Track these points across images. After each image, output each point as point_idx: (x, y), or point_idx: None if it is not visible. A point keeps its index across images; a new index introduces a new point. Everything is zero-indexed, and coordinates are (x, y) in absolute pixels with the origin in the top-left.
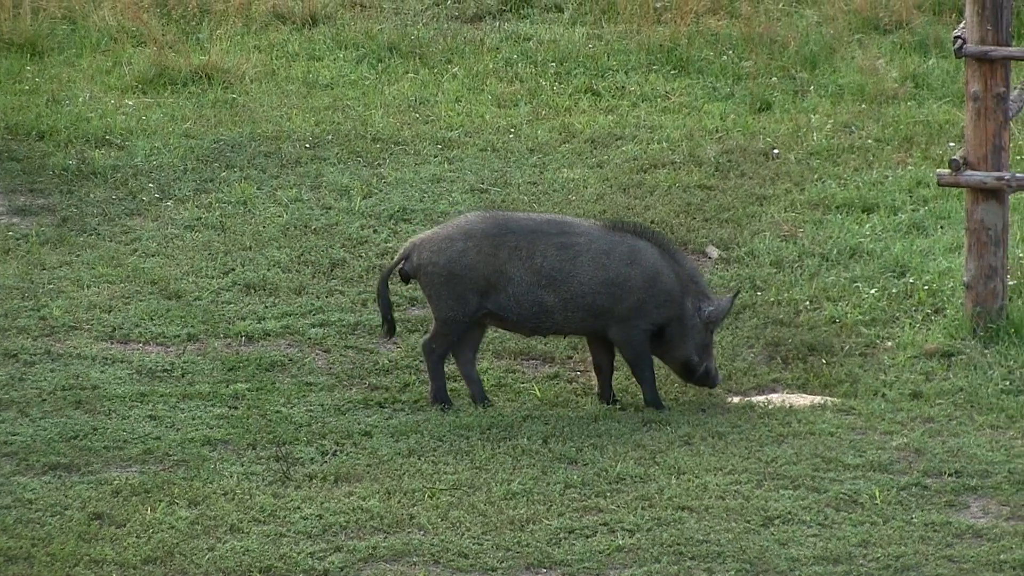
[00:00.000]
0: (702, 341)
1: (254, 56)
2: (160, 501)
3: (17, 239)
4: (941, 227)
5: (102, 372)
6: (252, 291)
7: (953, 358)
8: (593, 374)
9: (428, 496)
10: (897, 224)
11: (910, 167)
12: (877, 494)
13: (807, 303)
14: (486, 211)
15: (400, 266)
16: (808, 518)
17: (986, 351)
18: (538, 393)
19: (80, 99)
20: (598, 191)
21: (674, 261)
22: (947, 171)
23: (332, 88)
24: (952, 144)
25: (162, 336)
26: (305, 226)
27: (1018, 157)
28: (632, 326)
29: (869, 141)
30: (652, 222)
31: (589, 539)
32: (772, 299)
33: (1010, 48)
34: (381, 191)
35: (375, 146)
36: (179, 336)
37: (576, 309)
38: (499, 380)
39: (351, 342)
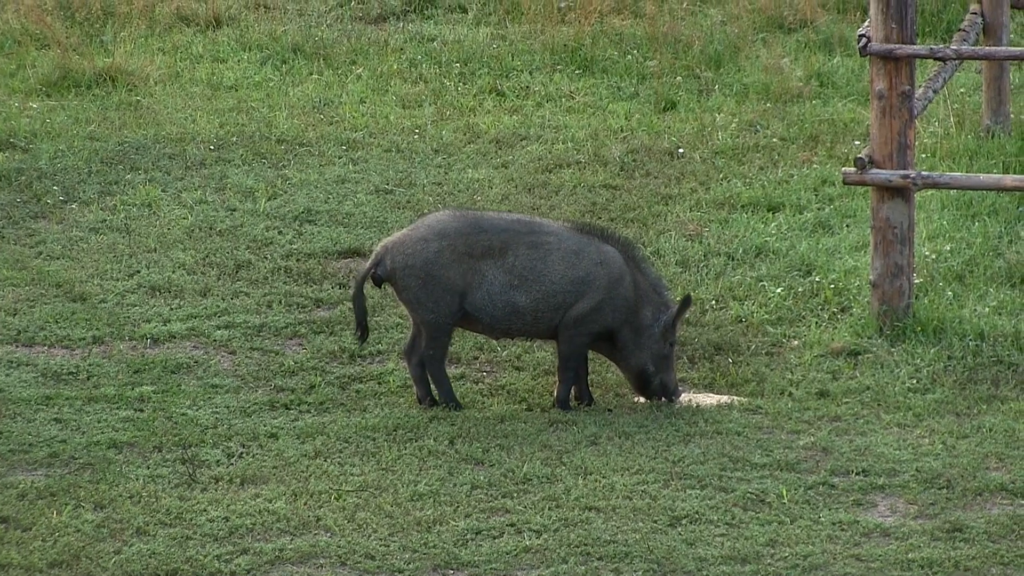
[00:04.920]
0: (659, 352)
1: (158, 58)
2: (66, 504)
3: None
4: (847, 226)
5: (7, 375)
6: (157, 293)
7: (860, 357)
8: (497, 375)
9: (335, 498)
10: (803, 223)
11: (815, 166)
12: (784, 493)
13: (713, 302)
14: (455, 210)
15: (373, 271)
16: (715, 518)
17: (893, 350)
18: None
19: None
20: (503, 191)
21: (637, 269)
22: (853, 169)
23: (236, 90)
24: (857, 142)
25: (67, 339)
26: (210, 228)
27: (923, 155)
28: (582, 325)
29: (774, 140)
30: (557, 220)
31: (496, 540)
32: (678, 299)
33: (915, 46)
34: (286, 192)
35: (280, 147)
36: (84, 339)
37: (547, 309)
38: (405, 381)
39: (256, 344)
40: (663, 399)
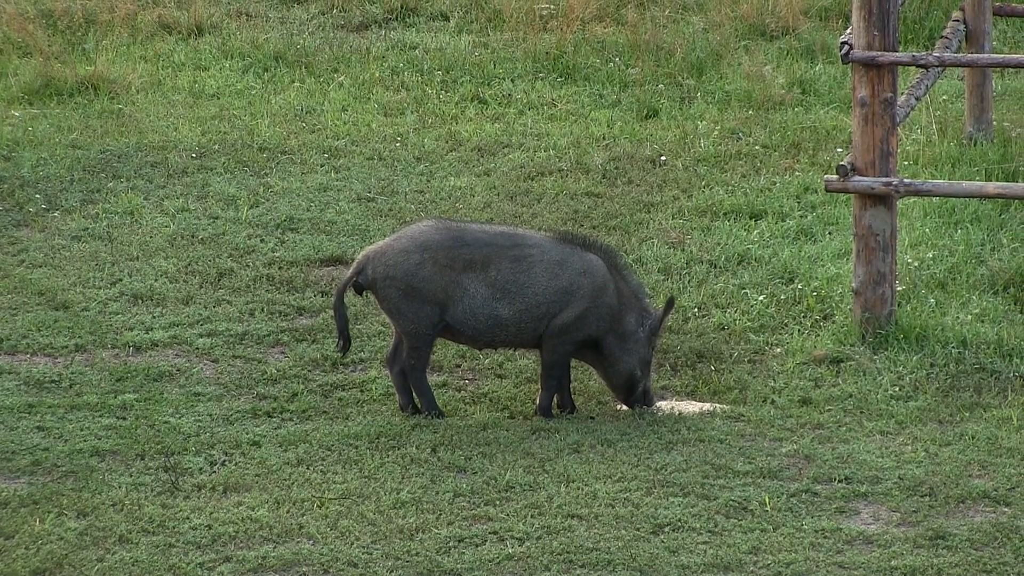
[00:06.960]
0: (645, 357)
1: (140, 66)
2: (49, 512)
3: None
4: (829, 233)
5: None
6: (139, 301)
7: (842, 364)
8: (480, 383)
9: (317, 505)
10: (785, 230)
11: (798, 173)
12: (767, 501)
13: (695, 310)
14: (438, 220)
15: (354, 279)
16: (698, 525)
17: (875, 357)
18: None
19: None
20: (485, 199)
21: (619, 276)
22: (835, 177)
23: (218, 98)
24: (840, 150)
25: (50, 347)
26: (192, 236)
27: (906, 162)
28: (566, 334)
29: (756, 147)
30: (539, 230)
31: (479, 548)
32: (660, 306)
33: (897, 54)
34: (268, 200)
35: (262, 155)
36: (67, 347)
37: (530, 320)
38: (387, 389)
39: (239, 352)
40: (642, 406)
